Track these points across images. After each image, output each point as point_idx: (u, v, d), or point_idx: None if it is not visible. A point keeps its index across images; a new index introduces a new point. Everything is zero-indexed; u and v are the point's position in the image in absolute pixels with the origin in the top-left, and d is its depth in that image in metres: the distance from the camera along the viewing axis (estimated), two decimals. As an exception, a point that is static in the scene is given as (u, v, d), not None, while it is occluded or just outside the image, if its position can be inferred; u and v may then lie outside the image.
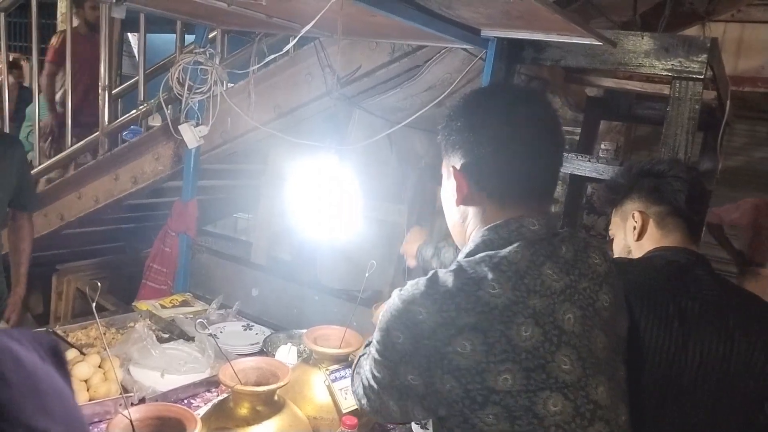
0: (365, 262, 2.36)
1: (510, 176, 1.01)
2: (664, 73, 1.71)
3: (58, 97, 4.09)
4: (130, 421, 1.15)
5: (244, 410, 1.34)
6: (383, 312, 0.99)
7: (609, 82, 2.65)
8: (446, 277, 0.94)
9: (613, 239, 1.44)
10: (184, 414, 1.19)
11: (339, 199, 1.96)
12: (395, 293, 0.99)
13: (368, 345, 1.14)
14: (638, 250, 1.34)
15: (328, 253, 2.61)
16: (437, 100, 2.22)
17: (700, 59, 1.66)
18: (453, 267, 0.97)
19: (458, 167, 1.02)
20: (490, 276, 0.92)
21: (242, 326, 2.23)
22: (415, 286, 0.96)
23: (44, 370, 0.53)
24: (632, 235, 1.34)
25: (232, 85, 2.60)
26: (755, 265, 3.83)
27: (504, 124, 1.01)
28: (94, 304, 1.23)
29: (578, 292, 0.97)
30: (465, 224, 1.06)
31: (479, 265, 0.94)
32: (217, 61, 2.36)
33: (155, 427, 1.18)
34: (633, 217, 1.33)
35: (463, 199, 1.03)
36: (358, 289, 1.96)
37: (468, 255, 0.99)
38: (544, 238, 0.99)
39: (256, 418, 1.33)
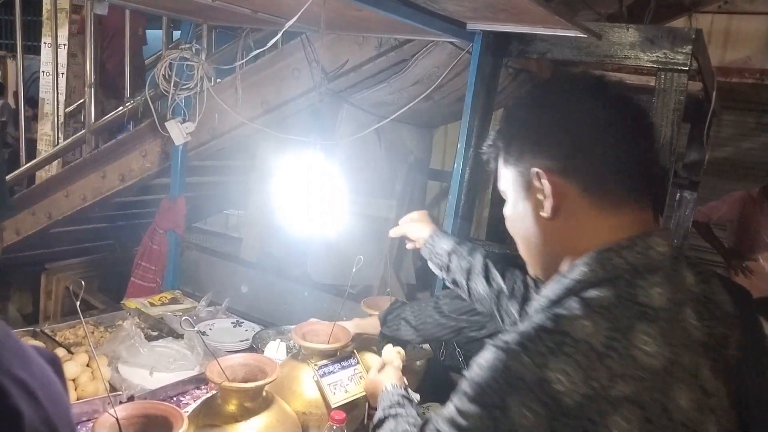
0: (355, 257, 2.35)
1: (616, 168, 0.83)
2: (650, 65, 1.71)
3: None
4: (117, 419, 1.14)
5: (232, 407, 1.33)
6: (478, 374, 0.75)
7: (596, 75, 2.65)
8: (578, 326, 0.71)
9: None
10: (171, 412, 1.18)
11: (326, 194, 1.96)
12: (494, 347, 0.75)
13: (426, 423, 0.86)
14: None
15: (319, 249, 2.60)
16: (425, 94, 2.21)
17: (684, 50, 1.66)
18: (575, 309, 0.73)
19: (553, 168, 0.84)
20: (639, 327, 0.72)
21: (232, 323, 2.23)
22: (533, 339, 0.72)
23: (38, 362, 0.56)
24: None
25: (220, 80, 2.59)
26: (747, 259, 3.84)
27: (598, 107, 0.85)
28: (78, 303, 1.22)
29: (713, 339, 0.80)
30: (554, 246, 0.87)
31: (619, 310, 0.73)
32: (204, 57, 2.34)
33: (142, 426, 1.18)
34: None
35: (561, 210, 0.84)
36: (347, 284, 1.96)
37: (580, 289, 0.78)
38: (668, 264, 0.80)
39: (245, 414, 1.33)
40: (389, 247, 2.57)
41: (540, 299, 0.85)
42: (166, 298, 2.38)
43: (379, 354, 1.72)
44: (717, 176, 4.63)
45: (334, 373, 1.55)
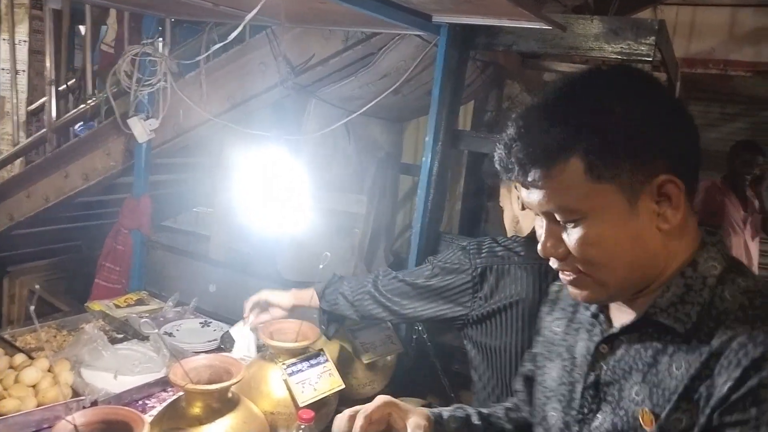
0: (324, 253, 2.32)
1: (698, 164, 0.83)
2: (614, 56, 1.72)
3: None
4: (75, 426, 1.11)
5: (197, 409, 1.30)
6: None
7: (564, 67, 2.67)
8: None
9: (503, 211, 1.46)
10: (131, 416, 1.15)
11: (290, 189, 1.94)
12: None
13: None
14: (525, 219, 1.38)
15: (288, 246, 2.57)
16: (393, 88, 2.19)
17: (648, 42, 1.68)
18: None
19: (674, 172, 0.78)
20: None
21: (200, 323, 2.19)
22: None
23: None
24: (518, 204, 1.37)
25: (185, 77, 2.53)
26: None
27: (674, 101, 0.83)
28: (32, 307, 1.18)
29: None
30: (659, 260, 0.82)
31: None
32: (166, 52, 2.29)
33: (101, 432, 1.14)
34: (516, 187, 1.34)
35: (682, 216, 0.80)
36: (319, 281, 1.94)
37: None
38: None
39: (210, 416, 1.30)
40: (360, 242, 2.56)
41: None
42: (131, 299, 2.32)
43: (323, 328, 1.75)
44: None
45: (302, 371, 1.52)
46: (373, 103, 2.15)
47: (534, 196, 0.82)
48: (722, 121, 4.71)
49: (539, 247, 0.86)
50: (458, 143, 1.97)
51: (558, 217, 0.81)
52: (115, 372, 1.76)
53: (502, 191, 1.46)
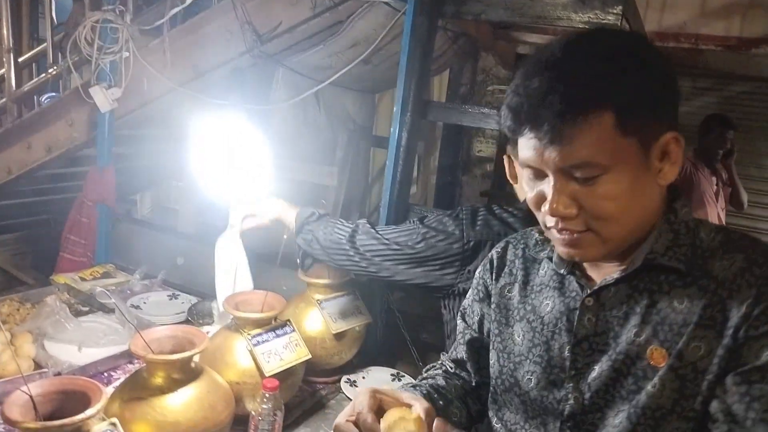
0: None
1: None
2: (581, 26, 1.71)
3: None
4: (30, 396, 1.09)
5: (159, 379, 1.29)
6: None
7: (535, 38, 2.66)
8: None
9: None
10: (89, 386, 1.13)
11: (257, 160, 1.91)
12: None
13: None
14: (519, 192, 1.40)
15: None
16: (362, 57, 2.16)
17: (615, 11, 1.67)
18: None
19: (675, 131, 0.84)
20: None
21: (168, 296, 2.17)
22: None
23: None
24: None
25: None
26: None
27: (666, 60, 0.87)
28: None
29: None
30: (653, 215, 0.88)
31: None
32: (128, 19, 2.22)
33: (59, 402, 1.12)
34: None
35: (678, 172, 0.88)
36: (289, 253, 1.92)
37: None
38: None
39: (172, 386, 1.29)
40: (332, 213, 2.54)
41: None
42: (97, 272, 2.29)
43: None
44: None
45: (268, 341, 1.52)
46: (342, 72, 2.11)
47: (553, 152, 0.80)
48: (693, 95, 4.75)
49: (547, 207, 0.84)
50: (428, 114, 1.95)
51: (578, 174, 0.80)
52: (79, 344, 1.74)
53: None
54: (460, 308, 1.20)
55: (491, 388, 1.10)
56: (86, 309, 2.04)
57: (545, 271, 1.02)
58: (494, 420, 1.09)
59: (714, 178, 4.00)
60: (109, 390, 1.29)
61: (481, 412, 1.15)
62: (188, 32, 2.30)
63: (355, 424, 0.90)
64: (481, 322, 1.14)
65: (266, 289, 1.68)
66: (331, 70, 2.27)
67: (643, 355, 0.84)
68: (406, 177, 1.98)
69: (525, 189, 0.91)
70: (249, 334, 1.50)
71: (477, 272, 1.16)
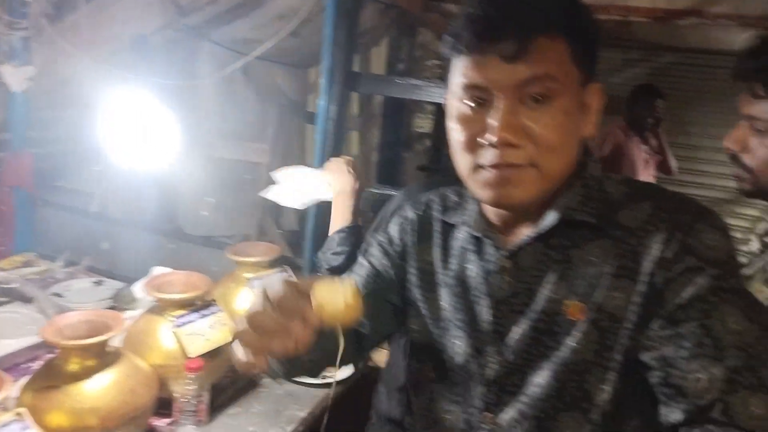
0: (229, 205, 2.25)
1: None
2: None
3: None
4: (-75, 390, 1.03)
5: (73, 366, 1.24)
6: None
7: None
8: None
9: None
10: (-8, 376, 1.08)
11: (183, 138, 1.84)
12: None
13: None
14: None
15: (190, 199, 2.47)
16: (288, 28, 2.10)
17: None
18: None
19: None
20: None
21: (92, 282, 2.08)
22: None
23: None
24: None
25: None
26: None
27: None
28: None
29: None
30: (575, 156, 0.88)
31: None
32: (37, -8, 2.09)
33: (-42, 395, 1.06)
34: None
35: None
36: (223, 235, 1.87)
37: None
38: None
39: (88, 372, 1.24)
40: (262, 190, 2.49)
41: None
42: (17, 261, 2.18)
43: None
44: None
45: (192, 322, 1.48)
46: (267, 45, 2.05)
47: (513, 67, 0.78)
48: (624, 67, 4.87)
49: (493, 135, 0.79)
50: (356, 86, 1.92)
51: (534, 90, 0.79)
52: (-6, 336, 1.65)
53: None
54: (363, 252, 1.13)
55: (412, 362, 1.06)
56: (5, 300, 1.94)
57: (463, 235, 1.00)
58: (414, 395, 1.05)
59: (645, 147, 4.14)
60: (6, 376, 1.23)
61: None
62: (105, 6, 2.19)
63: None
64: (404, 288, 1.07)
65: (196, 269, 1.64)
66: (258, 44, 2.20)
67: (561, 310, 0.85)
68: (337, 150, 1.95)
69: (452, 129, 0.86)
70: (172, 316, 1.46)
71: (393, 230, 1.09)
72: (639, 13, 3.94)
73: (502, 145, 0.80)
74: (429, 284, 1.03)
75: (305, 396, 1.63)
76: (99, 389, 1.23)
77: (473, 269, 0.96)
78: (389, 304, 1.06)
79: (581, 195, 0.87)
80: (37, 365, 1.63)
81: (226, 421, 1.49)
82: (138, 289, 1.92)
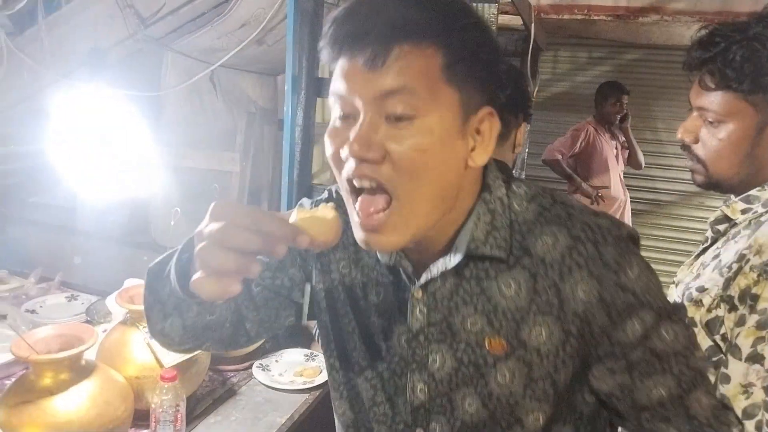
0: (202, 216, 2.22)
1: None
2: None
3: None
4: None
5: (47, 380, 1.24)
6: None
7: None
8: None
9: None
10: (-38, 395, 1.07)
11: (151, 150, 1.84)
12: None
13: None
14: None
15: (161, 211, 2.46)
16: (252, 37, 2.12)
17: (494, -18, 1.71)
18: None
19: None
20: None
21: (66, 297, 2.07)
22: None
23: None
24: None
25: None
26: (599, 188, 4.13)
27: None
28: None
29: None
30: (456, 190, 0.80)
31: None
32: (-4, 7, 2.07)
33: (-72, 415, 1.05)
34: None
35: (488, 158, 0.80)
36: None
37: None
38: None
39: (62, 386, 1.24)
40: (238, 200, 2.49)
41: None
42: (-12, 279, 2.15)
43: None
44: (556, 110, 4.96)
45: (166, 332, 1.48)
46: (232, 53, 2.06)
47: (373, 75, 0.71)
48: (589, 65, 4.97)
49: (349, 146, 0.72)
50: (321, 91, 1.94)
51: (393, 106, 0.71)
52: (-35, 356, 1.63)
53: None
54: None
55: (333, 374, 1.00)
56: (-24, 319, 1.91)
57: (373, 257, 0.91)
58: (339, 410, 1.02)
59: (614, 142, 4.23)
60: None
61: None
62: (65, 19, 2.18)
63: None
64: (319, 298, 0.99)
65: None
66: (224, 52, 2.21)
67: (482, 344, 0.83)
68: (306, 156, 1.96)
69: (327, 144, 0.78)
70: (145, 327, 1.46)
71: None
72: (602, 11, 4.04)
73: (356, 158, 0.72)
74: (335, 302, 0.96)
75: (284, 402, 1.64)
76: (74, 403, 1.23)
77: (385, 294, 0.90)
78: (283, 299, 0.99)
79: (488, 223, 0.81)
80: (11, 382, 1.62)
81: (204, 431, 1.49)
82: (112, 302, 1.90)
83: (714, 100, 1.04)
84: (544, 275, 0.79)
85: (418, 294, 0.86)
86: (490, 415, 0.85)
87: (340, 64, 0.74)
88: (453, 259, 0.82)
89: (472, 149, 0.77)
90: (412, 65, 0.71)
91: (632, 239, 0.81)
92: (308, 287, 0.95)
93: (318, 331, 1.62)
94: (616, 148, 4.25)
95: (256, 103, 2.71)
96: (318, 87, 1.92)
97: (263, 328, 1.01)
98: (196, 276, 0.68)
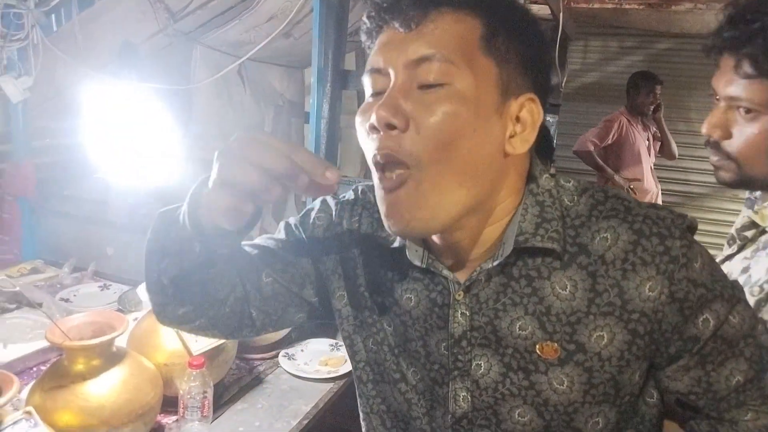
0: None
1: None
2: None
3: None
4: (-64, 393, 1.06)
5: (79, 366, 1.27)
6: None
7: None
8: None
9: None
10: (1, 377, 1.11)
11: (182, 143, 1.88)
12: None
13: None
14: None
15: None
16: (280, 30, 2.13)
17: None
18: None
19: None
20: None
21: (99, 287, 2.13)
22: None
23: None
24: None
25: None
26: (632, 180, 4.06)
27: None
28: None
29: None
30: (494, 179, 0.75)
31: None
32: (32, 4, 2.12)
33: (-31, 397, 1.10)
34: None
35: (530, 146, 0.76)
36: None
37: None
38: None
39: (94, 372, 1.27)
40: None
41: None
42: (25, 269, 2.23)
43: None
44: (586, 101, 4.88)
45: (195, 320, 1.51)
46: (260, 46, 2.08)
47: (409, 41, 0.69)
48: (621, 54, 4.87)
49: (375, 110, 0.69)
50: (347, 84, 1.95)
51: (424, 70, 0.68)
52: (4, 341, 1.69)
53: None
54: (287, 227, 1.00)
55: (362, 388, 0.96)
56: (13, 306, 1.98)
57: (403, 258, 0.84)
58: (371, 423, 0.97)
59: (646, 133, 4.15)
60: (16, 378, 1.26)
61: None
62: (98, 14, 2.22)
63: None
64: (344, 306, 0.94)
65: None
66: (251, 46, 2.23)
67: (532, 349, 0.77)
68: (331, 150, 1.97)
69: (358, 124, 0.75)
70: (175, 315, 1.49)
71: (319, 236, 0.95)
72: (634, 0, 3.96)
73: (381, 125, 0.69)
74: (360, 310, 0.91)
75: (310, 390, 1.66)
76: (105, 388, 1.26)
77: (418, 300, 0.85)
78: (294, 295, 0.96)
79: (536, 215, 0.76)
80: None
81: (231, 417, 1.52)
82: (142, 291, 1.95)
83: (752, 87, 0.92)
84: (605, 274, 0.74)
85: (460, 296, 0.80)
86: (545, 426, 0.79)
87: (378, 39, 0.73)
88: (498, 255, 0.76)
89: (511, 136, 0.73)
90: (448, 30, 0.69)
91: (692, 229, 0.77)
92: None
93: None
94: (648, 140, 4.17)
95: (284, 96, 2.74)
96: (344, 80, 1.93)
97: (269, 321, 0.96)
98: (210, 186, 0.66)
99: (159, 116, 1.93)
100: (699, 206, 4.92)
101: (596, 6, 3.96)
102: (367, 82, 0.75)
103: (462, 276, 0.81)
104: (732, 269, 1.03)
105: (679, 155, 4.34)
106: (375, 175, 0.75)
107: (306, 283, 0.96)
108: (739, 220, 1.06)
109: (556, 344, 0.76)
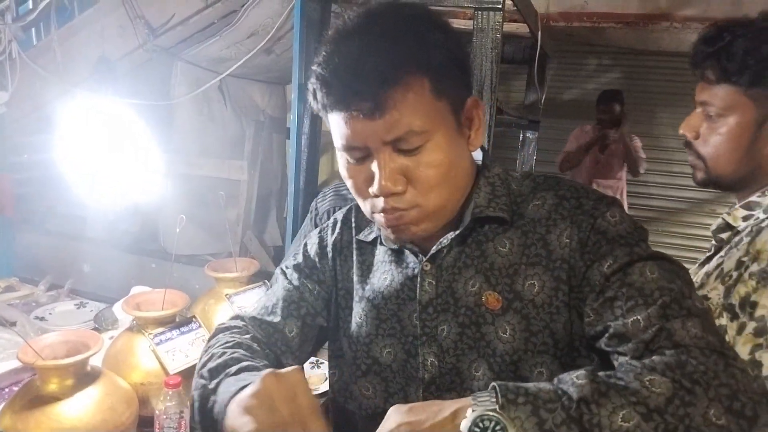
0: (211, 223, 2.26)
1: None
2: (467, 5, 1.75)
3: None
4: None
5: (52, 386, 1.25)
6: None
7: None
8: None
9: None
10: (-31, 400, 1.08)
11: (161, 158, 1.86)
12: None
13: None
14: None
15: (171, 219, 2.48)
16: (260, 47, 2.14)
17: (498, -9, 1.71)
18: None
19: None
20: None
21: (75, 305, 2.09)
22: None
23: None
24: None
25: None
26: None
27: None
28: None
29: None
30: (467, 173, 0.91)
31: None
32: (9, 19, 2.11)
33: (-65, 419, 1.07)
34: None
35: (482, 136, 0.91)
36: (207, 253, 1.88)
37: None
38: None
39: (67, 392, 1.24)
40: (245, 209, 2.51)
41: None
42: (-1, 287, 2.18)
43: None
44: (566, 117, 4.94)
45: (172, 339, 1.49)
46: (240, 63, 2.08)
47: (378, 125, 0.77)
48: (599, 72, 4.95)
49: (375, 186, 0.81)
50: (328, 100, 1.95)
51: (404, 145, 0.79)
52: (-26, 362, 1.65)
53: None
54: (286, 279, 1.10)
55: (342, 377, 1.05)
56: (-14, 326, 1.94)
57: (379, 250, 1.01)
58: (350, 407, 1.04)
59: (610, 148, 4.22)
60: (0, 403, 1.24)
61: None
62: (77, 30, 2.21)
63: None
64: (324, 307, 1.07)
65: (179, 288, 1.64)
66: (232, 62, 2.24)
67: (480, 303, 0.88)
68: (312, 164, 1.97)
69: (345, 177, 0.87)
70: (151, 334, 1.47)
71: (312, 253, 1.09)
72: (611, 18, 4.02)
73: (386, 194, 0.82)
74: (347, 301, 1.04)
75: (289, 408, 1.63)
76: (78, 408, 1.24)
77: (392, 279, 0.97)
78: (315, 327, 1.05)
79: (489, 193, 0.91)
80: (19, 389, 1.63)
81: (208, 437, 1.50)
82: (119, 309, 1.92)
83: (715, 93, 1.05)
84: (533, 230, 0.88)
85: (427, 267, 0.92)
86: (495, 378, 0.86)
87: (339, 117, 0.80)
88: (459, 228, 0.90)
89: (469, 137, 0.87)
90: (408, 104, 0.77)
91: (616, 203, 0.86)
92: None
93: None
94: (614, 155, 4.23)
95: (265, 112, 2.74)
96: (324, 95, 1.93)
97: (303, 360, 1.08)
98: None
99: (138, 131, 1.92)
100: (676, 221, 4.98)
101: (575, 24, 4.01)
102: (343, 154, 0.84)
103: (427, 248, 0.93)
104: (709, 268, 1.09)
105: (657, 171, 4.40)
106: (372, 216, 0.89)
107: (316, 313, 1.06)
108: (716, 222, 1.13)
109: (497, 294, 0.87)
